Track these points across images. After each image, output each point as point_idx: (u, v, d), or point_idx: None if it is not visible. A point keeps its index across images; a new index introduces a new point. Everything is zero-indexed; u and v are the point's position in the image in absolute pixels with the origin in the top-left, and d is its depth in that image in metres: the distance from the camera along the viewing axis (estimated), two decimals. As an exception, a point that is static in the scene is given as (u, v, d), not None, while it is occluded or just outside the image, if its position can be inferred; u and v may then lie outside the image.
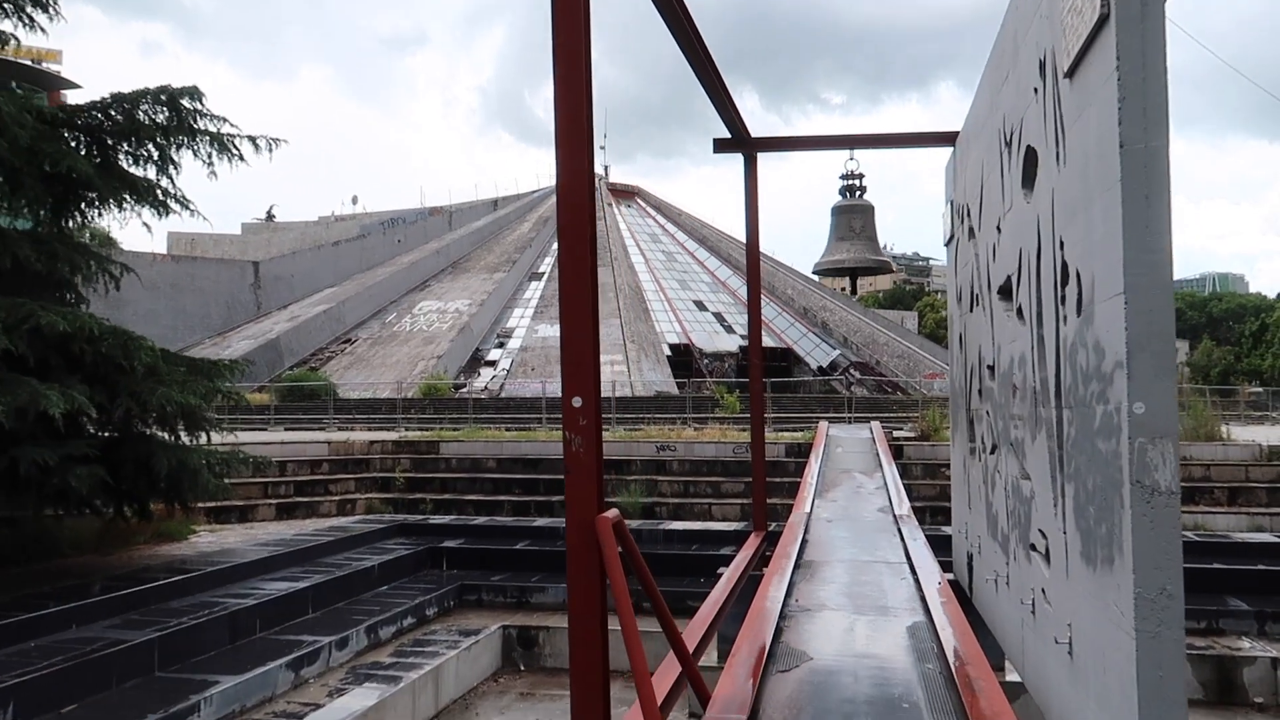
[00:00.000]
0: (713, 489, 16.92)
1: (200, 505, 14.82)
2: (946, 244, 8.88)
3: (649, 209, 68.12)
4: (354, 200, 78.08)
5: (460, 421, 27.59)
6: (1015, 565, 5.28)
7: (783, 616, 5.29)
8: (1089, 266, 3.63)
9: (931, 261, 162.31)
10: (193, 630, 7.92)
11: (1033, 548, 4.84)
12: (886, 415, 29.25)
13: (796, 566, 6.87)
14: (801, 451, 17.47)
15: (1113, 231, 3.28)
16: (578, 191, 3.34)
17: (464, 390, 42.45)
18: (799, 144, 8.46)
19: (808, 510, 9.83)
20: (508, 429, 24.76)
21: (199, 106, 10.02)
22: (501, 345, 47.69)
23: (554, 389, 40.52)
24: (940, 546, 11.55)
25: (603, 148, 78.69)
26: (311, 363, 45.99)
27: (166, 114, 9.93)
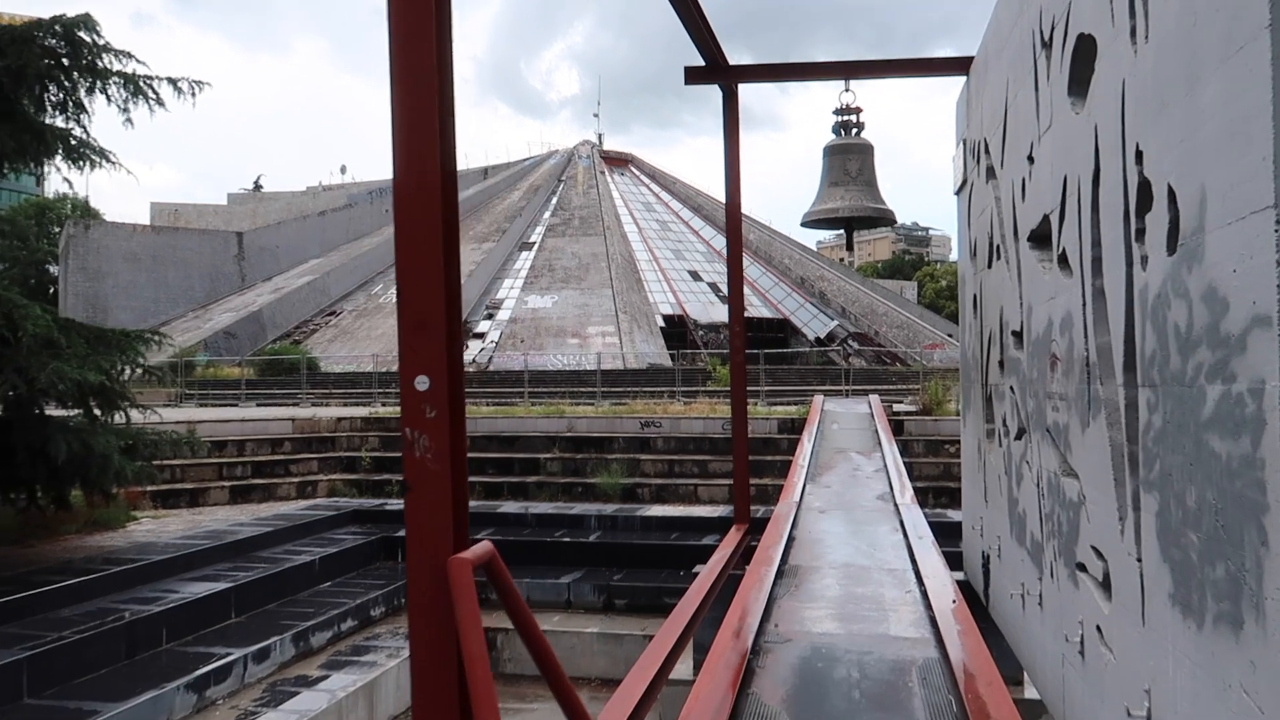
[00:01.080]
0: (699, 469, 15.79)
1: (147, 489, 13.71)
2: (957, 192, 7.67)
3: (642, 177, 66.62)
4: (343, 170, 76.50)
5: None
6: (1054, 585, 4.14)
7: (756, 652, 4.14)
8: (1193, 177, 2.44)
9: (931, 231, 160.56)
10: (79, 645, 6.78)
11: (1081, 568, 3.70)
12: (886, 388, 28.10)
13: (779, 575, 5.74)
14: (795, 427, 16.33)
15: (1245, 113, 2.10)
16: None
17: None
18: (784, 73, 7.24)
19: (797, 498, 8.69)
20: (490, 404, 23.63)
21: (97, 39, 8.74)
22: (490, 317, 46.45)
23: (539, 361, 39.38)
24: (947, 534, 10.45)
25: (596, 115, 76.82)
26: (295, 335, 44.78)
27: (65, 49, 8.65)
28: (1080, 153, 3.60)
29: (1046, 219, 4.26)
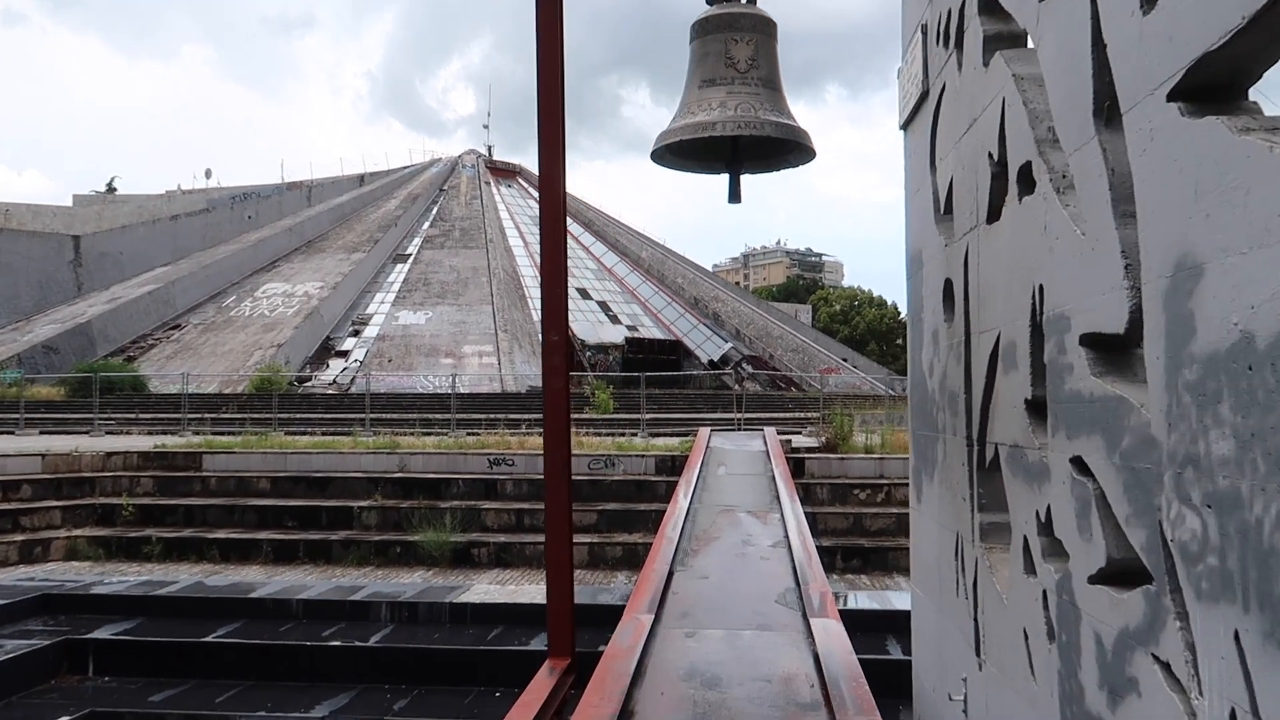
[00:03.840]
0: (555, 520, 12.61)
1: None
2: (905, 125, 4.82)
3: (530, 189, 63.38)
4: (207, 174, 70.70)
5: (287, 423, 22.57)
6: None
7: None
8: None
9: (824, 257, 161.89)
10: None
11: None
12: (781, 417, 25.51)
13: None
14: (676, 467, 13.37)
15: None
16: None
17: (308, 384, 37.09)
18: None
19: (656, 596, 5.66)
20: (324, 432, 19.98)
21: None
22: (357, 333, 42.35)
23: (408, 383, 35.63)
24: (885, 628, 7.58)
25: (486, 127, 73.61)
26: (131, 351, 39.77)
27: None
28: None
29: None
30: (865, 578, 10.90)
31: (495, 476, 13.84)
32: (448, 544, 11.62)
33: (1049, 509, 2.64)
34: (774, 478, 10.38)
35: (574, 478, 12.41)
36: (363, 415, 23.99)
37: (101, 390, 30.67)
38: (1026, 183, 2.84)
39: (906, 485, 13.04)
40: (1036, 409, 2.77)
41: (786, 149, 4.15)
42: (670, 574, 6.26)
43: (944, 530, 4.06)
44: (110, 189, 70.43)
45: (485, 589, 8.87)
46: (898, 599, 8.10)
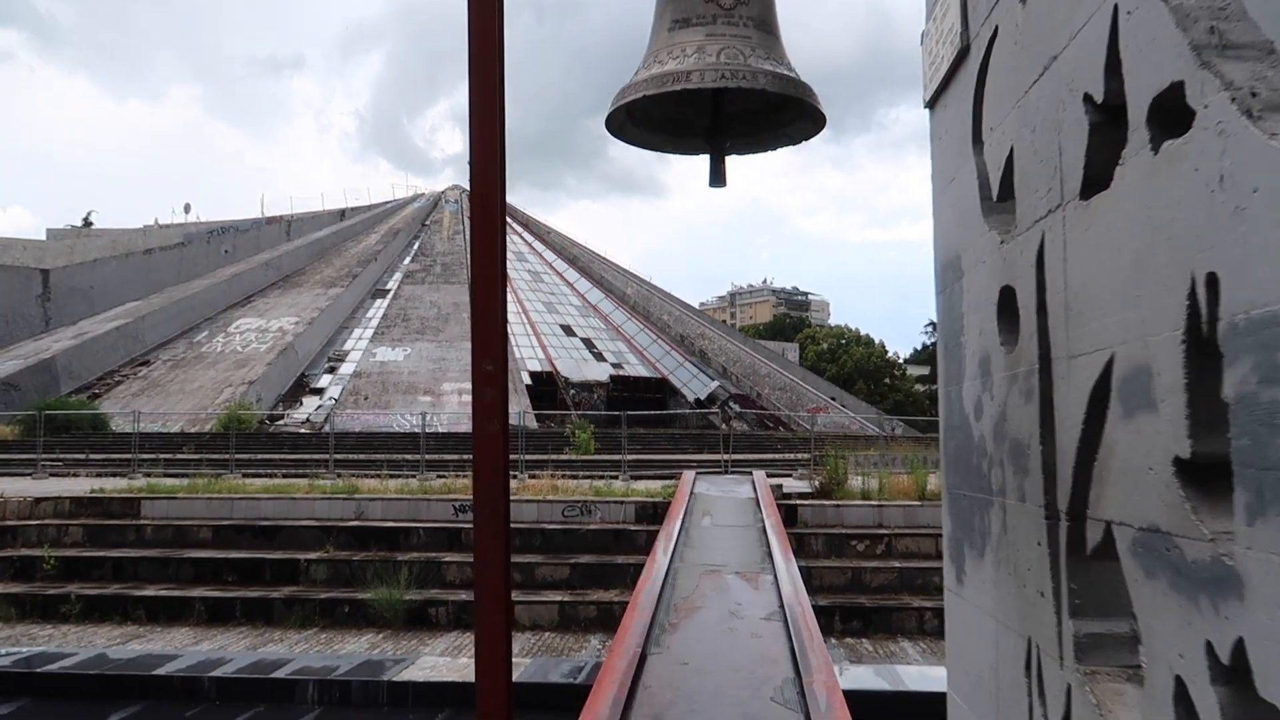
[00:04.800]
0: (522, 575, 11.44)
1: None
2: (933, 101, 3.83)
3: (515, 225, 62.58)
4: (186, 209, 69.56)
5: (247, 464, 21.29)
6: None
7: None
8: None
9: (811, 296, 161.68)
10: None
11: None
12: (770, 457, 24.41)
13: None
14: (657, 515, 12.24)
15: None
16: None
17: (280, 423, 35.75)
18: None
19: (623, 694, 4.54)
20: (284, 475, 18.72)
21: None
22: (333, 370, 41.11)
23: (383, 422, 34.39)
24: (883, 709, 6.44)
25: (470, 162, 73.09)
26: (96, 388, 38.38)
27: None
28: None
29: None
30: (867, 642, 9.76)
31: (460, 525, 12.66)
32: (401, 603, 10.41)
33: (1240, 643, 1.57)
34: (765, 530, 9.29)
35: (547, 527, 11.25)
36: (312, 454, 22.75)
37: (59, 429, 29.34)
38: (1170, 119, 1.80)
39: (908, 535, 11.85)
40: (1198, 474, 1.71)
41: (785, 113, 3.13)
42: (642, 658, 5.13)
43: (1004, 631, 2.97)
44: (86, 223, 69.27)
45: (433, 662, 7.68)
46: (910, 677, 6.97)
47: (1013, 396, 2.85)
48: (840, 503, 12.95)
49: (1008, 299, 2.90)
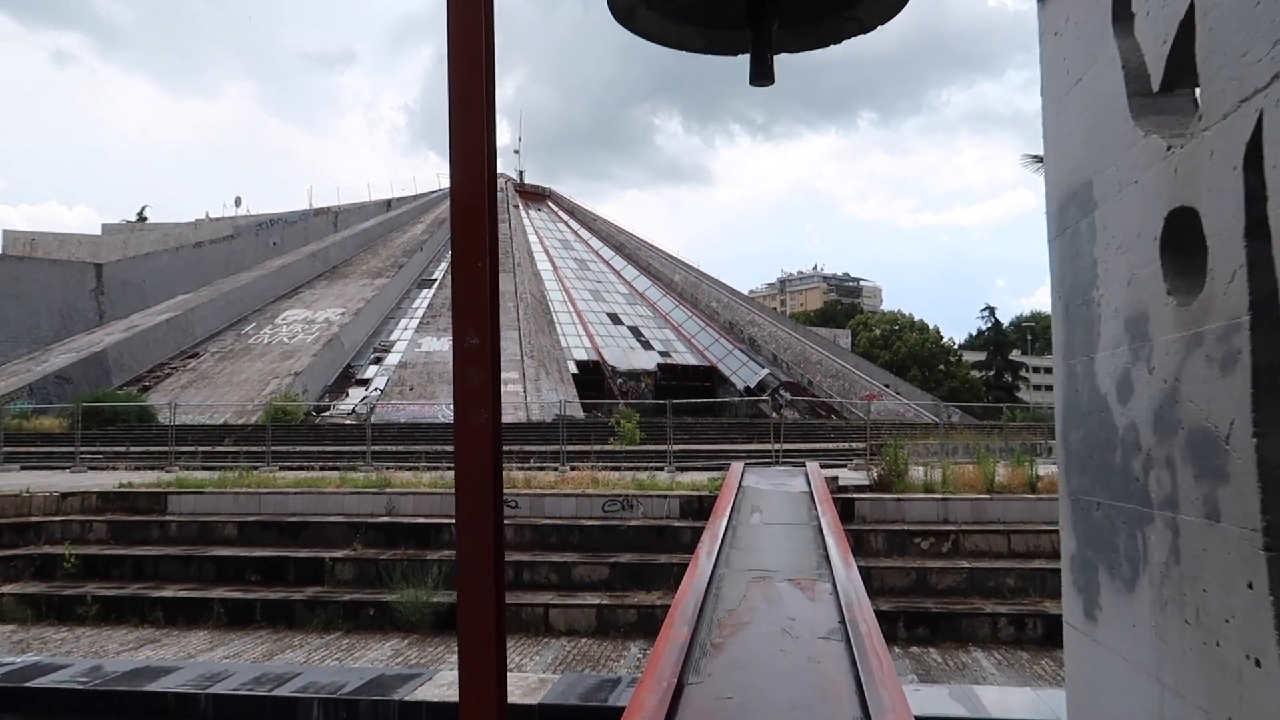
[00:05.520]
0: (559, 575, 10.69)
1: None
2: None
3: (561, 213, 62.04)
4: (236, 202, 70.22)
5: (284, 457, 20.92)
6: None
7: None
8: None
9: (863, 282, 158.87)
10: None
11: None
12: (823, 447, 23.40)
13: None
14: (703, 510, 11.40)
15: None
16: None
17: (326, 414, 35.56)
18: None
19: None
20: (322, 467, 18.24)
21: None
22: (379, 361, 40.88)
23: (428, 413, 33.99)
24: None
25: (517, 152, 72.86)
26: (146, 380, 38.59)
27: None
28: None
29: None
30: (935, 652, 8.83)
31: (494, 521, 11.94)
32: (428, 606, 9.72)
33: None
34: (820, 528, 8.39)
35: (585, 523, 10.46)
36: (380, 446, 22.27)
37: (106, 422, 29.37)
38: None
39: (977, 531, 10.81)
40: None
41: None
42: (678, 690, 4.31)
43: (1174, 699, 2.10)
44: (141, 218, 70.27)
45: (451, 677, 6.94)
46: (991, 701, 6.05)
47: (1193, 368, 1.96)
48: (901, 496, 11.98)
49: (1182, 227, 2.02)
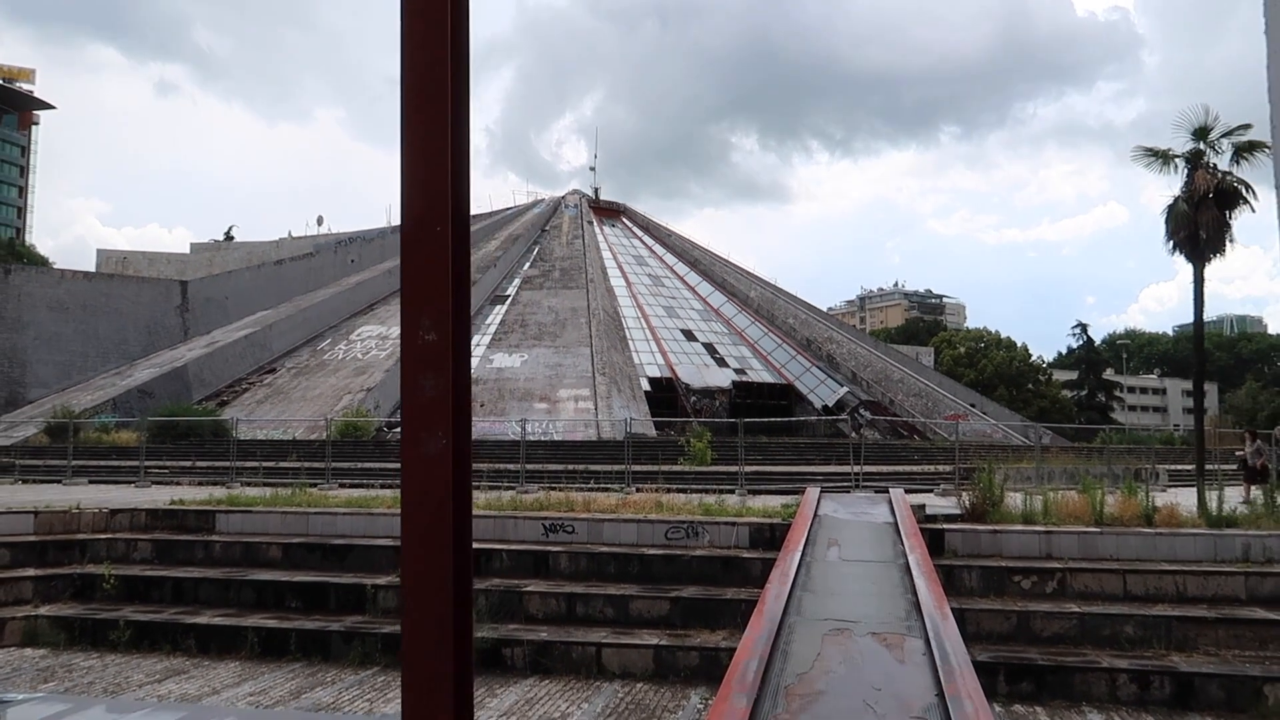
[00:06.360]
0: (615, 608, 9.78)
1: None
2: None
3: (634, 228, 61.46)
4: (319, 221, 71.52)
5: (343, 474, 20.56)
6: None
7: None
8: None
9: (945, 299, 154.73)
10: None
11: None
12: (905, 470, 22.06)
13: None
14: (775, 539, 10.39)
15: None
16: None
17: (397, 430, 35.41)
18: None
19: None
20: (382, 485, 17.74)
21: None
22: (450, 377, 40.66)
23: (498, 429, 33.52)
24: None
25: (593, 169, 72.81)
26: (225, 395, 39.08)
27: None
28: None
29: None
30: (1043, 713, 7.63)
31: (550, 546, 11.14)
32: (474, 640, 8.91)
33: None
34: (909, 567, 7.32)
35: (647, 551, 9.47)
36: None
37: (181, 436, 29.60)
38: None
39: (1086, 570, 9.50)
40: None
41: None
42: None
43: None
44: (228, 237, 72.13)
45: (481, 735, 6.08)
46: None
47: None
48: (997, 527, 10.76)
49: None
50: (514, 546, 11.21)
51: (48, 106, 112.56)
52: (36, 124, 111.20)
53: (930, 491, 16.08)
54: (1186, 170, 14.37)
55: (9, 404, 41.70)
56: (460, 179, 2.31)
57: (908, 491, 14.06)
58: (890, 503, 11.12)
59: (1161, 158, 14.51)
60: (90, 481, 19.72)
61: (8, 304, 44.09)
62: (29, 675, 8.73)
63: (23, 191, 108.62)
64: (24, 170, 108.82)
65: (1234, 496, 13.39)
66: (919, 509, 11.34)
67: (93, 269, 56.03)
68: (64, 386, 41.75)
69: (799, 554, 7.73)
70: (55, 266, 55.47)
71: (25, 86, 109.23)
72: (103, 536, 12.14)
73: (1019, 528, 10.80)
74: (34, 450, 26.95)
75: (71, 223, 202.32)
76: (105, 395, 36.99)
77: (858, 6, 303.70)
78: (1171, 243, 14.71)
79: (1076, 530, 10.64)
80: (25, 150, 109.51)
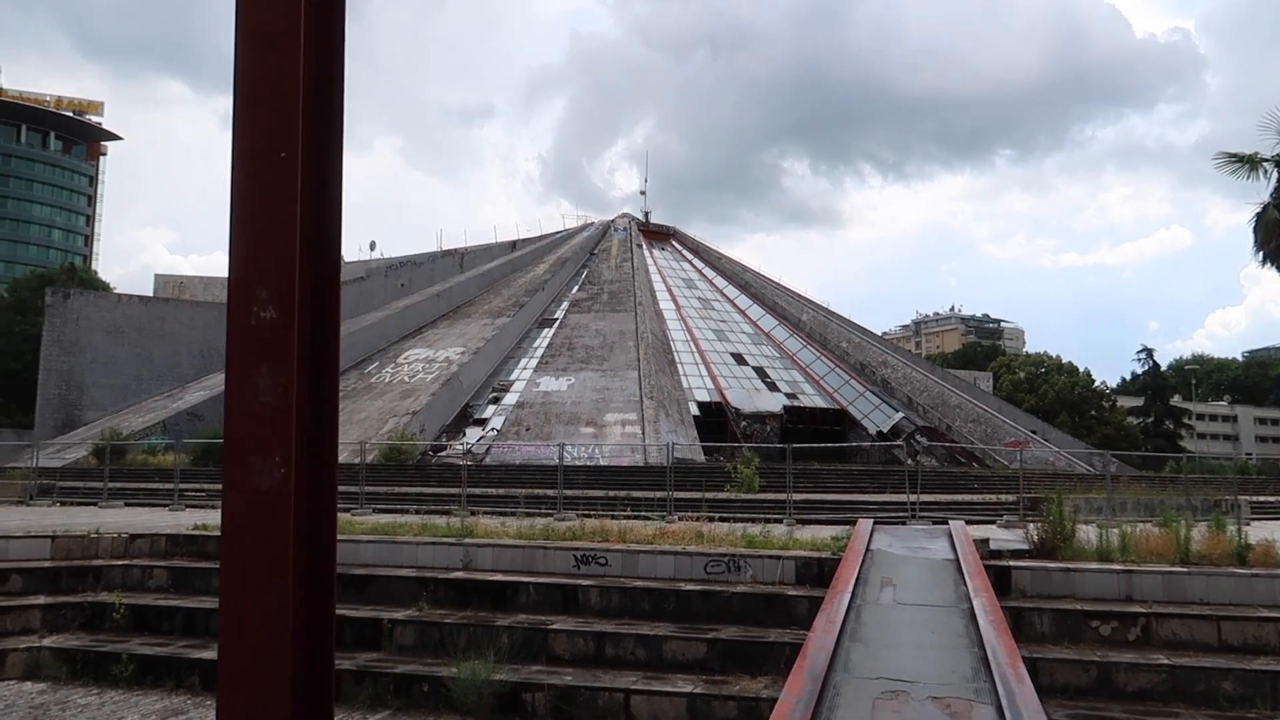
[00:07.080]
0: (647, 650, 8.98)
1: None
2: None
3: (684, 251, 60.83)
4: (371, 246, 72.11)
5: (376, 499, 20.08)
6: None
7: None
8: None
9: (1003, 323, 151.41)
10: None
11: None
12: (965, 499, 20.89)
13: None
14: (824, 575, 9.51)
15: None
16: None
17: (442, 454, 35.03)
18: None
19: None
20: (425, 511, 17.16)
21: None
22: (497, 400, 40.28)
23: (543, 454, 32.90)
24: None
25: (643, 193, 72.59)
26: (273, 418, 39.07)
27: None
28: None
29: None
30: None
31: (580, 580, 10.39)
32: (488, 685, 8.18)
33: None
34: (974, 614, 6.43)
35: (683, 586, 8.61)
36: (480, 490, 21.18)
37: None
38: None
39: (1174, 615, 8.38)
40: None
41: None
42: None
43: None
44: (283, 263, 72.92)
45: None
46: None
47: None
48: (1070, 565, 9.76)
49: None
50: (542, 579, 10.49)
51: (115, 138, 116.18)
52: (104, 155, 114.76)
53: (993, 523, 15.01)
54: (1277, 174, 13.30)
55: (65, 426, 42.29)
56: (331, 61, 1.65)
57: (968, 523, 13.07)
58: (950, 536, 10.18)
59: (1248, 163, 13.41)
60: (126, 504, 19.50)
61: (66, 328, 44.85)
62: (21, 713, 8.21)
63: (90, 220, 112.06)
64: (91, 199, 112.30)
65: (1334, 533, 12.14)
66: (982, 543, 10.37)
67: (150, 294, 57.00)
68: (118, 409, 42.24)
69: (848, 595, 6.89)
70: (114, 291, 56.51)
71: (94, 119, 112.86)
72: (119, 563, 11.70)
73: (1094, 565, 9.78)
74: (79, 472, 26.99)
75: (139, 251, 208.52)
76: (155, 418, 37.24)
77: (910, 32, 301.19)
78: (1261, 253, 13.60)
79: (1160, 569, 9.60)
80: (93, 180, 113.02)
